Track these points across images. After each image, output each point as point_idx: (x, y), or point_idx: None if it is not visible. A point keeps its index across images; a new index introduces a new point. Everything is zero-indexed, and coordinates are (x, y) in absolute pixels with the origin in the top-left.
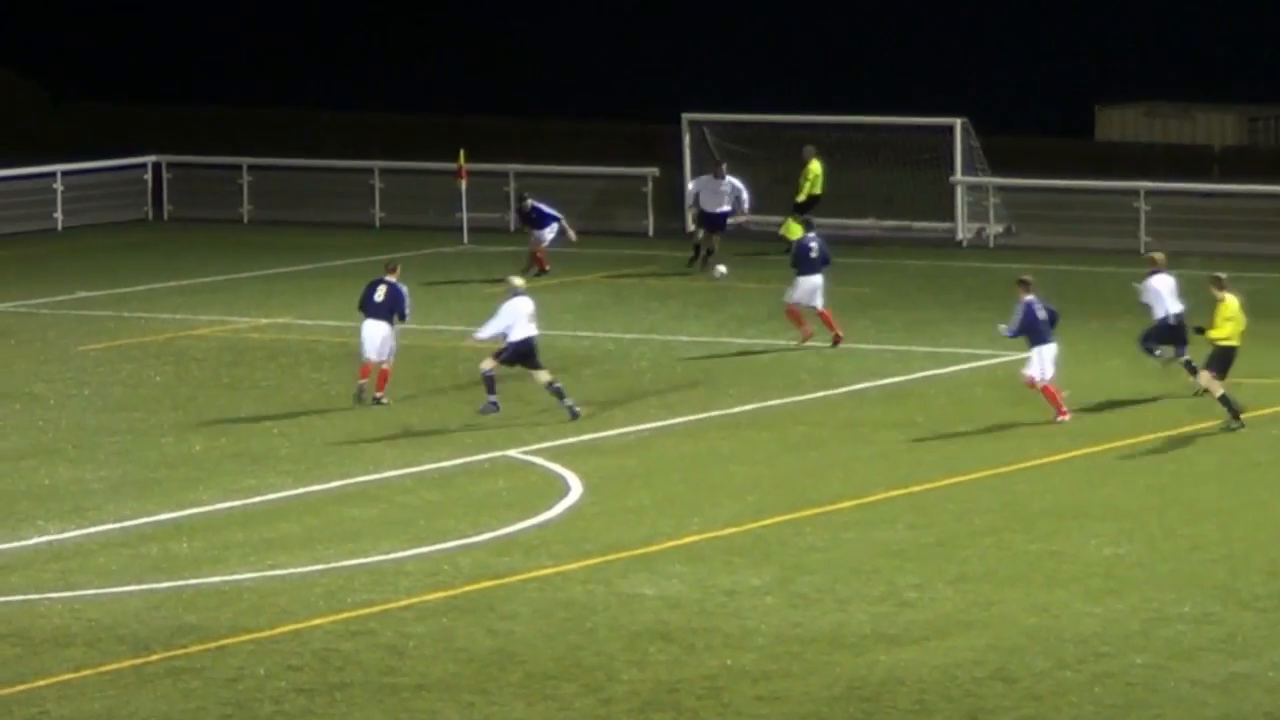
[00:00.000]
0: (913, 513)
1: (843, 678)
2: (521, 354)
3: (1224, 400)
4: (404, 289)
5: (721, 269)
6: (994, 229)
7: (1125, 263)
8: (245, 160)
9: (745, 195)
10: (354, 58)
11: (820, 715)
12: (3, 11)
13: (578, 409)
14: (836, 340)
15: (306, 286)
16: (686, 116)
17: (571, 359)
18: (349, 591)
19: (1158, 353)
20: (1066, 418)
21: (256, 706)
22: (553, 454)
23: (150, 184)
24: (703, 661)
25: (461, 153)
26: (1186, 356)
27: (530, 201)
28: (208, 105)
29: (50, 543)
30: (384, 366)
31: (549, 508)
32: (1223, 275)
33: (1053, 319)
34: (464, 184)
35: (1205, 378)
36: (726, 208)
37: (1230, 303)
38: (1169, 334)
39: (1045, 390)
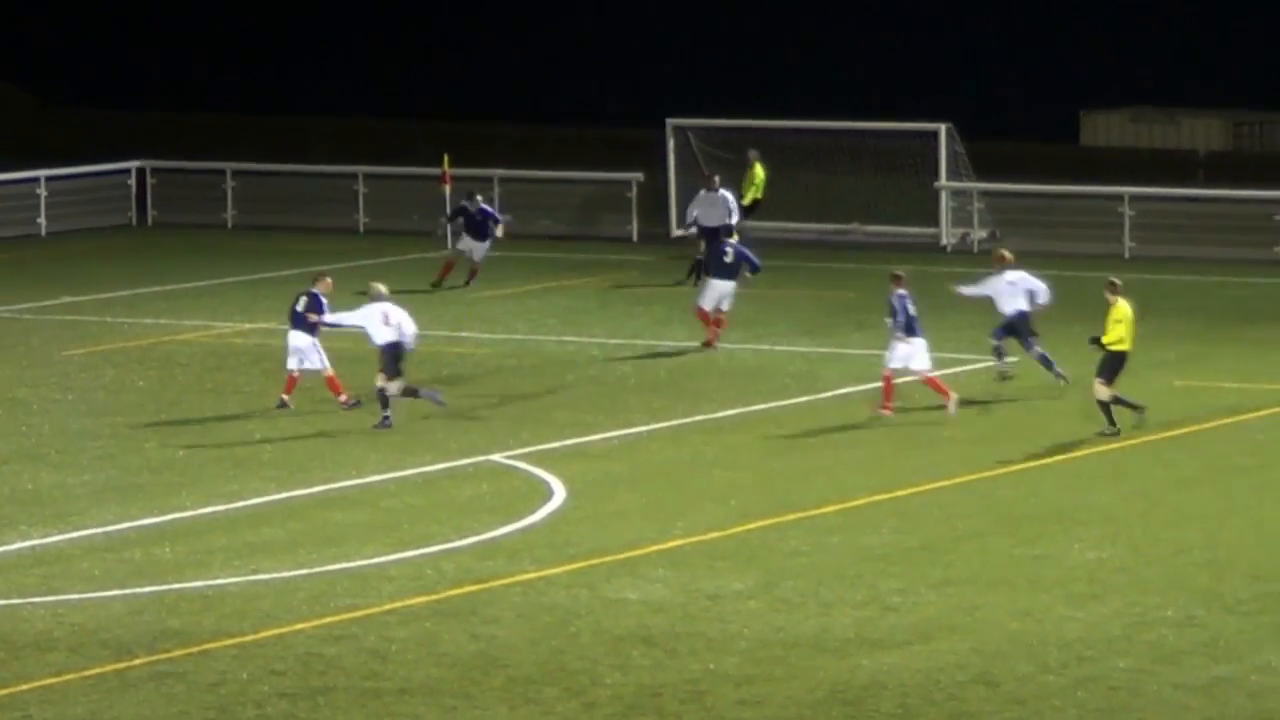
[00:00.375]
0: (896, 517)
1: (826, 682)
2: (394, 358)
3: (1105, 408)
4: (324, 299)
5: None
6: (978, 234)
7: (1110, 268)
8: (229, 165)
9: (734, 206)
10: (338, 64)
11: (803, 719)
12: None
13: (389, 418)
14: (709, 344)
15: (290, 292)
16: (671, 121)
17: (556, 364)
18: (332, 596)
19: (1002, 359)
20: (890, 413)
21: (239, 711)
22: (536, 458)
23: (134, 189)
24: (685, 666)
25: (445, 158)
26: (1039, 350)
27: (479, 201)
28: (193, 111)
29: (33, 547)
30: (326, 374)
31: (532, 512)
32: (1117, 280)
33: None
34: (448, 189)
35: (1096, 384)
36: (724, 220)
37: (1122, 307)
38: (1013, 330)
39: (930, 381)
